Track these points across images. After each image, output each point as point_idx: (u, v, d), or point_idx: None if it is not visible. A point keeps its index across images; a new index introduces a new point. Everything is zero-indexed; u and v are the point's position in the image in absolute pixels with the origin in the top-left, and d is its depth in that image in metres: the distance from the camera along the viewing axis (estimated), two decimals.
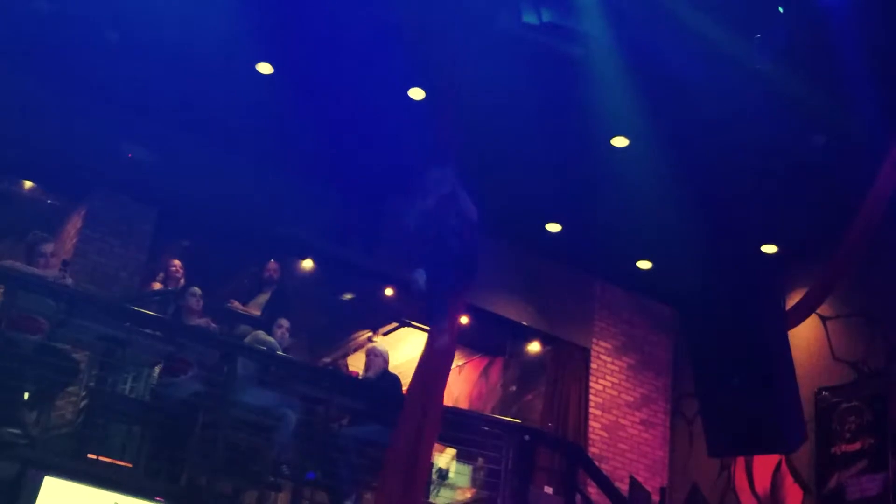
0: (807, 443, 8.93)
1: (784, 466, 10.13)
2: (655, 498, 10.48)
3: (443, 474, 9.60)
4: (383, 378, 8.57)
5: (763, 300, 6.71)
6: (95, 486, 6.70)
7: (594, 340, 11.52)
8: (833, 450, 9.71)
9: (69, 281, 7.74)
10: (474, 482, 9.16)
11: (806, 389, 9.61)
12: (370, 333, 12.26)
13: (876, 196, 6.94)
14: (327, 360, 11.92)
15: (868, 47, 7.82)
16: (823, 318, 10.14)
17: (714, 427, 6.68)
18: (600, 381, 11.39)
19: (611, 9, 7.85)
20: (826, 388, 9.99)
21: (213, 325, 8.48)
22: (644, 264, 11.26)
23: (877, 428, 9.41)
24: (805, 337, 9.99)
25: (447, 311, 6.51)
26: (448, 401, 11.81)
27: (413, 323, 11.62)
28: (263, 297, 9.71)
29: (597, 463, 9.97)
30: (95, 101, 9.33)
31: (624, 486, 9.90)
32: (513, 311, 11.22)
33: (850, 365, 9.96)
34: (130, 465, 7.36)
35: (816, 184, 9.41)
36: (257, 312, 9.50)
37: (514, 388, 11.60)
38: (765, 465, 10.29)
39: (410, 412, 6.28)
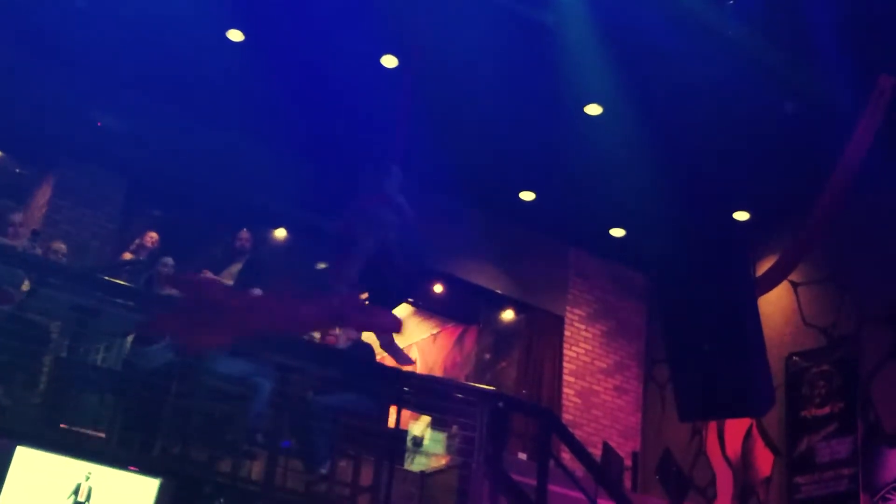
0: (777, 407, 9.02)
1: (755, 430, 10.24)
2: (628, 462, 10.60)
3: (417, 442, 9.64)
4: (356, 347, 8.56)
5: (734, 267, 6.75)
6: (68, 455, 6.65)
7: (568, 308, 11.58)
8: (803, 414, 9.83)
9: (39, 251, 7.66)
10: (449, 449, 9.18)
11: (777, 354, 9.75)
12: None
13: (846, 163, 6.98)
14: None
15: (839, 14, 7.84)
16: (794, 284, 10.24)
17: (684, 392, 6.74)
18: (574, 347, 11.46)
19: None
20: (797, 353, 10.09)
21: None
22: (617, 232, 11.31)
23: (846, 392, 9.52)
24: (776, 303, 10.08)
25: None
26: (423, 369, 11.95)
27: None
28: (236, 267, 9.63)
29: (570, 429, 10.00)
30: (63, 68, 9.21)
31: (597, 452, 9.99)
32: (487, 279, 11.24)
33: (820, 330, 10.06)
34: (103, 435, 7.30)
35: (788, 151, 9.46)
36: (230, 282, 9.44)
37: (488, 355, 11.64)
38: (736, 429, 10.40)
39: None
